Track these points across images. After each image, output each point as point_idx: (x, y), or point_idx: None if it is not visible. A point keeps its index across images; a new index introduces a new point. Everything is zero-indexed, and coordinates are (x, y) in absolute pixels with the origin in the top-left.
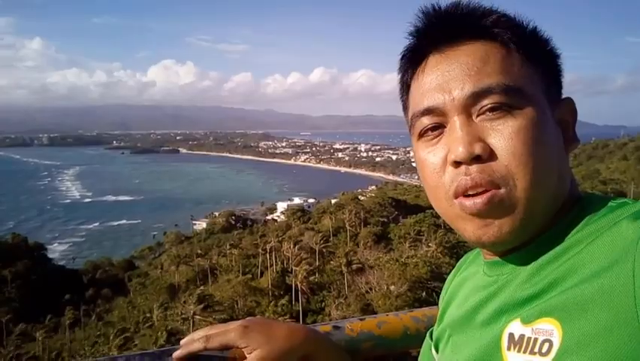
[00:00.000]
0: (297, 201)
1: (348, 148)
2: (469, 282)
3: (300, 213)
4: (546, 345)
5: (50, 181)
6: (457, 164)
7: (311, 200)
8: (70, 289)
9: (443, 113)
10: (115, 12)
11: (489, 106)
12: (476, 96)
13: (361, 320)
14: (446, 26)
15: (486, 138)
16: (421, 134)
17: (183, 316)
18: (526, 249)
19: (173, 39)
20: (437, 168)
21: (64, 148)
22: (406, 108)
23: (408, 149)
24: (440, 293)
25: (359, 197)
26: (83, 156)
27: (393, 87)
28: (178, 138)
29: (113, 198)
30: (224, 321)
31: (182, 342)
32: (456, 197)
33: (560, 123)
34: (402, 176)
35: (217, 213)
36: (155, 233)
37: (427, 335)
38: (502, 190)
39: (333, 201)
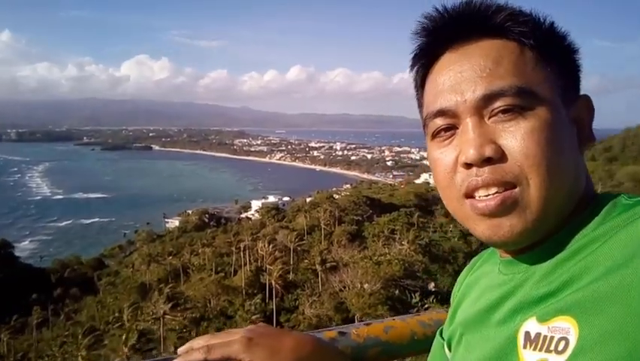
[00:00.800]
0: (271, 199)
1: (323, 147)
2: (483, 280)
3: (275, 212)
4: (562, 343)
5: (20, 177)
6: (467, 165)
7: (286, 198)
8: (37, 289)
9: (456, 114)
10: (89, 5)
11: (501, 108)
12: (488, 98)
13: (367, 324)
14: (460, 24)
15: (498, 139)
16: (434, 135)
17: (154, 315)
18: (542, 247)
19: (148, 34)
20: (449, 168)
21: (33, 144)
22: (420, 106)
23: (383, 148)
24: (412, 291)
25: (334, 195)
26: (52, 152)
27: (369, 86)
28: (151, 134)
29: (84, 195)
30: (196, 320)
31: (179, 350)
32: (466, 197)
33: (575, 121)
34: (376, 175)
35: (190, 212)
36: (126, 231)
37: (437, 333)
38: (517, 190)
39: (307, 199)
